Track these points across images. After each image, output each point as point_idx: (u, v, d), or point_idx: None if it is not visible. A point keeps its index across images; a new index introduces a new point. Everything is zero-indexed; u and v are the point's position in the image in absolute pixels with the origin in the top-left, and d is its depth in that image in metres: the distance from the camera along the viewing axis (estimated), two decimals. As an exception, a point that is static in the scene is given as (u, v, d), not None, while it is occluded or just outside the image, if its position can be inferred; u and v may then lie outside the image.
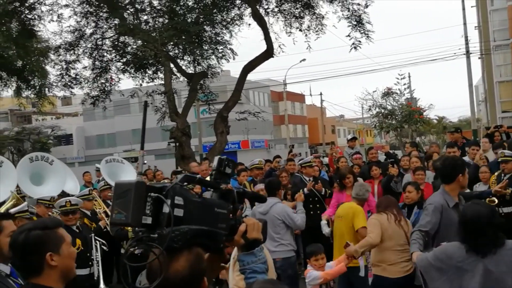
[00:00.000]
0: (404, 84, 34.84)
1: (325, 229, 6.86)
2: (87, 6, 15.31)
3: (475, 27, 38.42)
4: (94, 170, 12.21)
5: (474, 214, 2.98)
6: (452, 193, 4.21)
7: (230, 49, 16.07)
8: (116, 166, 9.06)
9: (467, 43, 25.90)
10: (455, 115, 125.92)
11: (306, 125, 62.08)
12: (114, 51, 16.35)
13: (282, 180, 8.27)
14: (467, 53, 25.83)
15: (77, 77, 16.35)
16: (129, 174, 8.73)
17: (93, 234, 6.20)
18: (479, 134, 21.80)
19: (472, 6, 41.64)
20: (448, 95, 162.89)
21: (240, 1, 15.48)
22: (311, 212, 7.43)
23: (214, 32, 15.85)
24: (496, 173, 6.83)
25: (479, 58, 37.53)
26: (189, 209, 1.60)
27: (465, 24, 26.36)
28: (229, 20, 15.98)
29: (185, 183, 1.73)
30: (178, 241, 1.53)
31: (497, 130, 10.51)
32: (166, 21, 15.26)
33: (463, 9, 26.71)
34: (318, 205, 7.90)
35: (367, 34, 14.60)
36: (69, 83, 16.29)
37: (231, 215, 1.78)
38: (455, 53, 43.25)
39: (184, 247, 1.57)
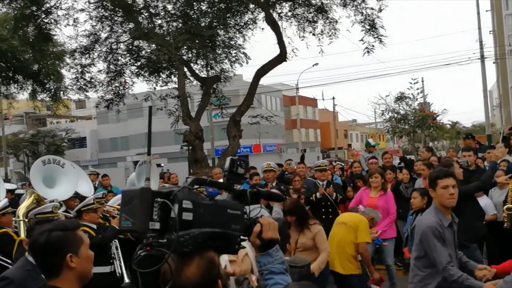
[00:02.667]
0: (417, 89, 34.58)
1: None
2: (102, 10, 15.45)
3: (490, 31, 38.10)
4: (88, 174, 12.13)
5: None
6: (443, 210, 3.83)
7: (244, 53, 16.14)
8: (54, 169, 7.56)
9: (481, 48, 25.67)
10: (468, 120, 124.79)
11: (318, 129, 61.90)
12: (128, 55, 16.48)
13: (295, 184, 8.28)
14: (482, 58, 25.60)
15: (92, 80, 16.47)
16: (69, 180, 7.48)
17: None
18: (494, 139, 21.57)
19: (487, 10, 41.45)
20: (462, 100, 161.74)
21: (253, 6, 15.52)
22: (323, 217, 7.39)
23: (227, 36, 15.92)
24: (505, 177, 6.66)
25: (493, 62, 37.24)
26: (199, 212, 1.60)
27: (479, 28, 26.14)
28: (242, 24, 16.04)
29: (196, 186, 1.73)
30: (188, 245, 1.53)
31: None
32: (180, 25, 15.36)
33: (478, 13, 26.50)
34: (330, 210, 7.88)
35: (380, 38, 14.55)
36: (83, 87, 16.42)
37: (245, 215, 1.77)
38: (469, 58, 42.91)
39: (196, 251, 1.57)
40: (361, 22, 14.67)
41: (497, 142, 11.62)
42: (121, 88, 16.94)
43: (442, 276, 3.69)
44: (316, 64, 38.95)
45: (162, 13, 15.81)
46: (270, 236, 1.79)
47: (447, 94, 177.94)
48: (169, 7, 15.67)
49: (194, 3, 15.09)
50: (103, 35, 15.96)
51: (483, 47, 25.81)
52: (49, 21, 15.26)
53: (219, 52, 15.78)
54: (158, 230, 1.55)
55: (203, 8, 15.55)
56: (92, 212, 5.86)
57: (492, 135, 26.95)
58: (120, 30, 16.05)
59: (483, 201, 6.87)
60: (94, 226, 5.84)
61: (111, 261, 5.89)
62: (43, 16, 15.12)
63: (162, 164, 33.36)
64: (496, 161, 6.08)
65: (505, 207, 6.34)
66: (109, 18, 15.68)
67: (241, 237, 1.74)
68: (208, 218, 1.63)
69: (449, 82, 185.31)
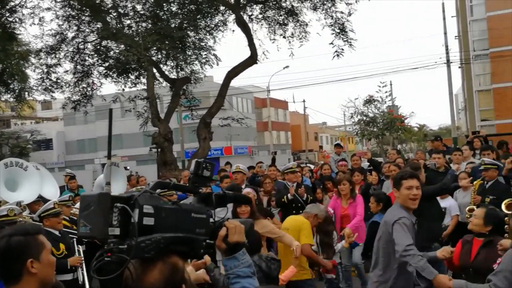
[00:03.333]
0: (386, 92, 35.23)
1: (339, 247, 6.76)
2: (69, 9, 15.17)
3: (456, 36, 39.17)
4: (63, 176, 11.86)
5: None
6: (406, 209, 3.89)
7: (214, 54, 16.12)
8: (17, 172, 7.38)
9: (447, 53, 26.35)
10: (435, 123, 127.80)
11: (289, 131, 62.29)
12: (96, 55, 16.22)
13: (266, 186, 8.27)
14: (448, 62, 26.26)
15: (58, 81, 16.18)
16: (32, 183, 7.26)
17: (75, 239, 6.08)
18: (459, 142, 22.14)
19: (452, 16, 42.51)
20: (429, 103, 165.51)
21: (224, 8, 15.50)
22: (294, 219, 7.41)
23: (197, 37, 15.86)
24: (477, 181, 6.86)
25: (459, 67, 38.21)
26: (161, 216, 1.56)
27: (445, 33, 26.85)
28: (213, 26, 16.00)
29: (158, 190, 1.69)
30: (150, 250, 1.49)
31: (477, 136, 10.70)
32: (150, 26, 15.21)
33: (444, 18, 27.23)
34: (301, 211, 7.88)
35: (350, 42, 14.77)
36: (49, 87, 16.10)
37: (211, 219, 1.73)
38: (436, 62, 43.95)
39: (158, 256, 1.53)
40: (331, 25, 14.85)
41: (463, 145, 11.91)
42: (89, 89, 16.67)
43: (399, 264, 3.71)
44: (287, 66, 39.26)
45: (131, 14, 15.63)
46: (236, 239, 1.76)
47: (414, 97, 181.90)
48: (138, 7, 15.53)
49: (164, 4, 14.97)
50: (70, 35, 15.72)
51: (449, 52, 26.52)
52: (14, 20, 14.91)
53: (189, 53, 15.72)
54: (118, 236, 1.50)
55: (173, 9, 15.46)
56: (52, 217, 5.66)
57: (457, 138, 27.66)
58: (87, 30, 15.80)
59: (448, 202, 7.04)
60: (57, 233, 5.65)
61: (73, 267, 5.72)
62: (7, 14, 14.75)
63: (128, 167, 32.90)
64: (456, 167, 6.25)
65: (467, 208, 6.49)
66: (76, 17, 15.41)
67: (207, 241, 1.70)
68: (171, 223, 1.59)
69: (416, 86, 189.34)
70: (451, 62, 26.85)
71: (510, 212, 4.73)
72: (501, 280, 3.16)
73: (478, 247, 3.96)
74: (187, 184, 1.87)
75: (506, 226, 5.45)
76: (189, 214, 1.66)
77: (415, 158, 9.37)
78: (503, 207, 5.52)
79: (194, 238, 1.65)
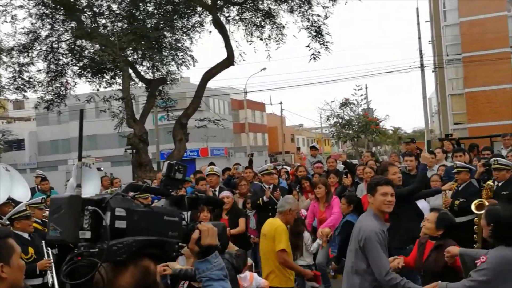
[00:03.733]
0: (361, 95, 35.66)
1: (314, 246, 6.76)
2: (43, 8, 14.90)
3: (429, 41, 39.88)
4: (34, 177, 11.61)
5: None
6: (379, 215, 3.95)
7: (190, 55, 16.07)
8: None
9: (421, 57, 26.81)
10: (409, 126, 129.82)
11: (266, 133, 62.40)
12: (70, 54, 15.97)
13: (241, 188, 8.26)
14: (422, 67, 26.73)
15: (31, 80, 15.87)
16: (1, 185, 7.08)
17: (44, 242, 5.95)
18: (433, 145, 22.53)
19: (426, 21, 43.32)
20: (403, 107, 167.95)
21: (201, 8, 15.44)
22: (269, 221, 7.40)
23: (174, 38, 15.78)
24: (449, 183, 6.96)
25: (432, 71, 38.94)
26: (133, 219, 1.54)
27: (419, 38, 27.32)
28: (189, 26, 15.93)
29: (130, 193, 1.67)
30: (122, 253, 1.48)
31: (448, 139, 10.93)
32: (125, 25, 15.06)
33: (418, 23, 27.70)
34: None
35: (326, 45, 14.87)
36: (21, 86, 15.77)
37: (183, 222, 1.72)
38: (410, 66, 44.70)
39: (130, 260, 1.52)
40: (308, 28, 14.94)
41: (436, 148, 12.14)
42: (62, 88, 16.40)
43: (376, 284, 3.77)
44: (264, 68, 39.33)
45: (106, 13, 15.44)
46: (209, 242, 1.75)
47: (389, 100, 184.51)
48: (114, 7, 15.36)
49: (140, 4, 14.83)
50: (44, 33, 15.44)
51: (423, 56, 26.99)
52: (-16, 17, 14.54)
53: (166, 54, 15.61)
54: (89, 239, 1.48)
55: (150, 9, 15.32)
56: (24, 220, 5.53)
57: (431, 141, 28.15)
58: (61, 29, 15.56)
59: (420, 204, 7.13)
60: (26, 236, 5.52)
61: (43, 271, 5.60)
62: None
63: (102, 168, 32.46)
64: (427, 164, 6.31)
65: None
66: (50, 16, 15.14)
67: (179, 244, 1.69)
68: (143, 226, 1.57)
69: (391, 89, 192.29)
70: (425, 66, 27.37)
71: (479, 213, 4.84)
72: (481, 276, 3.32)
73: (429, 250, 4.10)
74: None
75: (475, 226, 5.57)
76: (161, 217, 1.64)
77: (389, 161, 9.49)
78: (472, 207, 5.65)
79: (166, 241, 1.63)
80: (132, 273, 1.54)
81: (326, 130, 50.43)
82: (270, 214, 7.52)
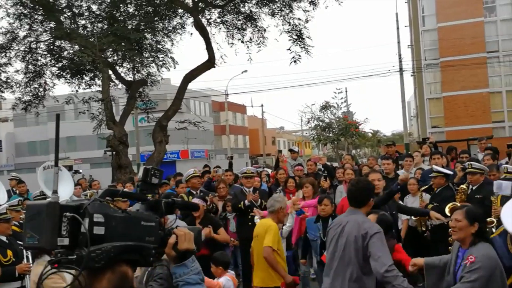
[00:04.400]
0: (341, 98, 36.02)
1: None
2: (21, 7, 14.69)
3: (408, 46, 40.47)
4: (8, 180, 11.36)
5: None
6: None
7: (171, 57, 15.99)
8: None
9: (400, 61, 27.19)
10: (388, 129, 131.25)
11: (247, 135, 62.40)
12: (49, 55, 15.77)
13: (220, 191, 8.23)
14: (400, 71, 27.10)
15: (8, 80, 15.61)
16: None
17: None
18: (411, 148, 22.83)
19: (405, 26, 43.88)
20: (382, 110, 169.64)
21: (182, 10, 15.40)
22: (250, 224, 7.40)
23: (155, 40, 15.69)
24: (464, 184, 6.97)
25: (411, 75, 39.48)
26: (111, 225, 1.53)
27: (399, 42, 27.71)
28: (170, 28, 15.87)
29: (107, 198, 1.68)
30: (100, 260, 1.47)
31: (425, 143, 11.14)
32: (105, 26, 14.92)
33: (397, 28, 28.11)
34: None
35: (307, 48, 14.96)
36: (-1, 87, 15.50)
37: (160, 227, 1.72)
38: (389, 70, 45.16)
39: (108, 266, 1.51)
40: (289, 32, 15.02)
41: (414, 151, 12.32)
42: (41, 89, 16.17)
43: (379, 280, 3.75)
44: (245, 71, 39.37)
45: (86, 14, 15.29)
46: (186, 247, 1.76)
47: (369, 103, 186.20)
48: (94, 7, 15.21)
49: (121, 5, 14.73)
50: (22, 34, 15.20)
51: (402, 60, 27.37)
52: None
53: (146, 55, 15.52)
54: (67, 246, 1.47)
55: (130, 10, 15.22)
56: (4, 223, 5.47)
57: (409, 144, 28.52)
58: (40, 29, 15.34)
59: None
60: (4, 239, 5.45)
61: (22, 275, 5.52)
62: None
63: (81, 170, 32.09)
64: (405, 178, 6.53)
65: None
66: (29, 16, 14.93)
67: (156, 249, 1.70)
68: (121, 231, 1.56)
69: (371, 92, 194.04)
70: (404, 71, 27.75)
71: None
72: (475, 274, 3.44)
73: None
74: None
75: (450, 229, 5.71)
76: (139, 222, 1.64)
77: (367, 163, 9.61)
78: (446, 210, 5.77)
79: (144, 246, 1.63)
80: (109, 279, 1.53)
81: (306, 133, 50.69)
82: (250, 217, 7.54)
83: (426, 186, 7.05)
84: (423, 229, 6.76)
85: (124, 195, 1.83)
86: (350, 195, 4.12)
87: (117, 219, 1.57)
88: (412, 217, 6.80)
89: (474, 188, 6.53)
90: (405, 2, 43.52)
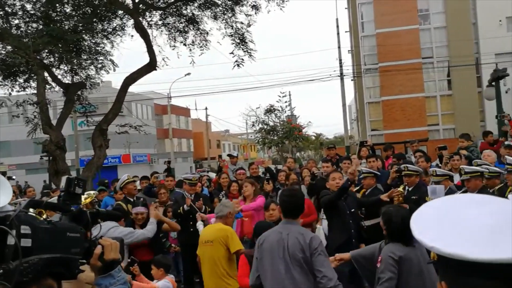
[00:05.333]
0: (286, 102, 36.50)
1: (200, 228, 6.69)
2: None
3: (349, 51, 41.63)
4: None
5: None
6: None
7: (111, 60, 15.60)
8: None
9: (341, 66, 27.89)
10: (331, 132, 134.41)
11: (191, 139, 61.90)
12: (-21, 56, 14.93)
13: (161, 197, 8.11)
14: (341, 75, 27.78)
15: None
16: None
17: None
18: (351, 150, 23.45)
19: (346, 31, 45.14)
20: (325, 113, 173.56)
21: (122, 12, 15.05)
22: (191, 230, 7.33)
23: (93, 41, 15.24)
24: (401, 187, 7.15)
25: (351, 80, 40.63)
26: (38, 237, 1.48)
27: (339, 48, 28.40)
28: (110, 30, 15.47)
29: (31, 209, 1.61)
30: (27, 274, 1.41)
31: (364, 145, 11.54)
32: (41, 27, 14.33)
33: (338, 33, 28.80)
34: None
35: (250, 52, 15.02)
36: None
37: (85, 237, 1.68)
38: (330, 75, 46.14)
39: (35, 279, 1.45)
40: (231, 35, 15.03)
41: (353, 154, 12.71)
42: (-30, 92, 15.28)
43: None
44: (189, 74, 38.92)
45: (20, 13, 14.61)
46: (112, 257, 1.74)
47: (312, 107, 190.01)
48: (28, 6, 14.55)
49: (57, 5, 14.19)
50: None
51: (343, 65, 28.08)
52: None
53: (84, 57, 15.04)
54: None
55: (67, 10, 14.70)
56: None
57: (350, 146, 29.30)
58: (-31, 28, 14.49)
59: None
60: None
61: None
62: None
63: (14, 177, 30.63)
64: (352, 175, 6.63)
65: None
66: (-44, 14, 14.10)
67: (80, 260, 1.65)
68: (48, 243, 1.51)
69: (313, 96, 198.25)
70: (344, 75, 28.46)
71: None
72: (383, 275, 3.59)
73: None
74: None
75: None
76: (64, 234, 1.60)
77: (307, 166, 9.79)
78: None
79: (70, 258, 1.58)
80: None
81: (251, 136, 50.97)
82: (191, 223, 7.46)
83: (358, 188, 7.30)
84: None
85: (48, 206, 1.77)
86: (285, 206, 3.95)
87: (44, 230, 1.51)
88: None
89: (410, 189, 6.83)
90: (345, 8, 44.79)
